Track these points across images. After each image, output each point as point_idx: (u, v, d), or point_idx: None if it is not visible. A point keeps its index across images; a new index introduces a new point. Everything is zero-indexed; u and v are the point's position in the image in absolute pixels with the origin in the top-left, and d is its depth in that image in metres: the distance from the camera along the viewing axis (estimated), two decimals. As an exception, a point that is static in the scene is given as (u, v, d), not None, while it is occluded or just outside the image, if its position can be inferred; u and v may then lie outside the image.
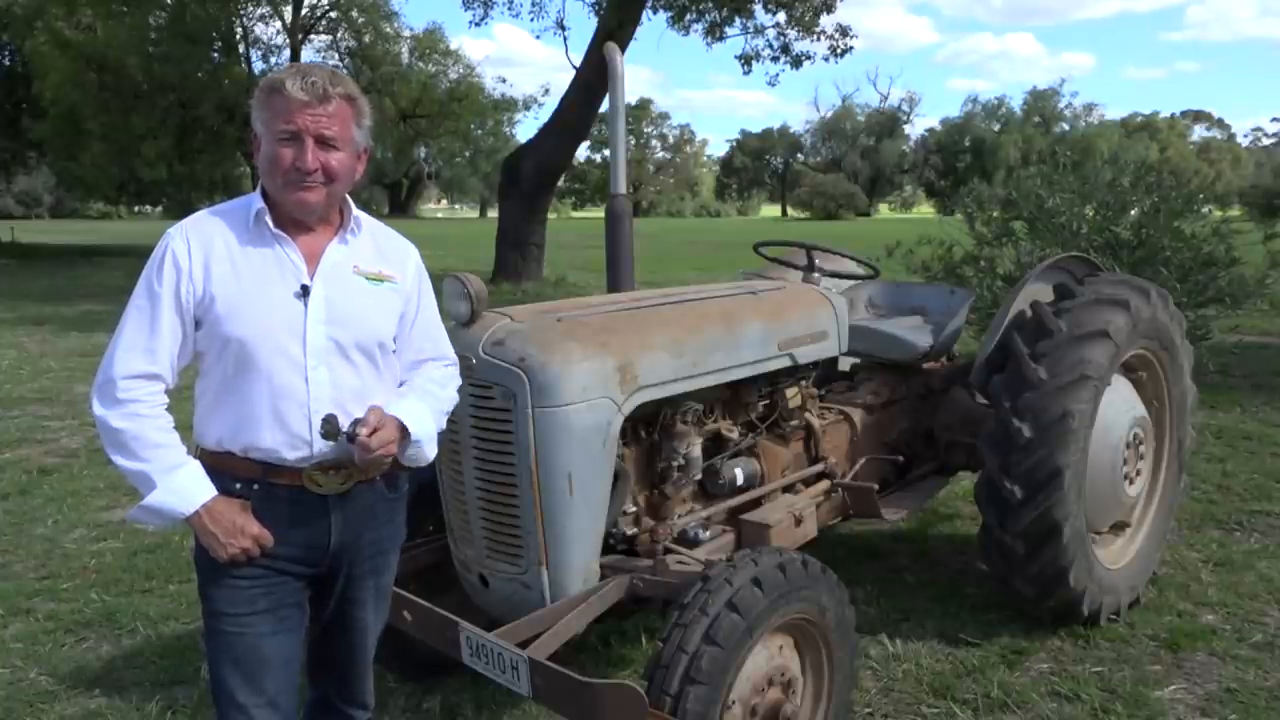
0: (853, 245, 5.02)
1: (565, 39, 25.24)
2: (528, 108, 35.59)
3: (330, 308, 2.07)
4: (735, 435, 3.40)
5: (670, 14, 19.52)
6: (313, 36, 30.37)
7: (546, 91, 34.63)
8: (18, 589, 4.38)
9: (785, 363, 3.43)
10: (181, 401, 1.99)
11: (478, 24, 29.22)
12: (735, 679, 2.46)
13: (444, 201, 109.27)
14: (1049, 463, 3.47)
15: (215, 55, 27.43)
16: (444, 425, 2.29)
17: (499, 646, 2.47)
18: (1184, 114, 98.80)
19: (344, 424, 1.99)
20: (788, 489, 3.59)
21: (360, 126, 2.10)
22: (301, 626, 2.19)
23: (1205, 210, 9.30)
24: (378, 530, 2.23)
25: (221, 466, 2.05)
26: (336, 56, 31.12)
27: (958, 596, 4.21)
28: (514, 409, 2.64)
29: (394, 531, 2.31)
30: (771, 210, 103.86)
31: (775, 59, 20.73)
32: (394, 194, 77.87)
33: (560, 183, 27.52)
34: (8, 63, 31.60)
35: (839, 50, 20.56)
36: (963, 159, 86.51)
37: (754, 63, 20.72)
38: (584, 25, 32.00)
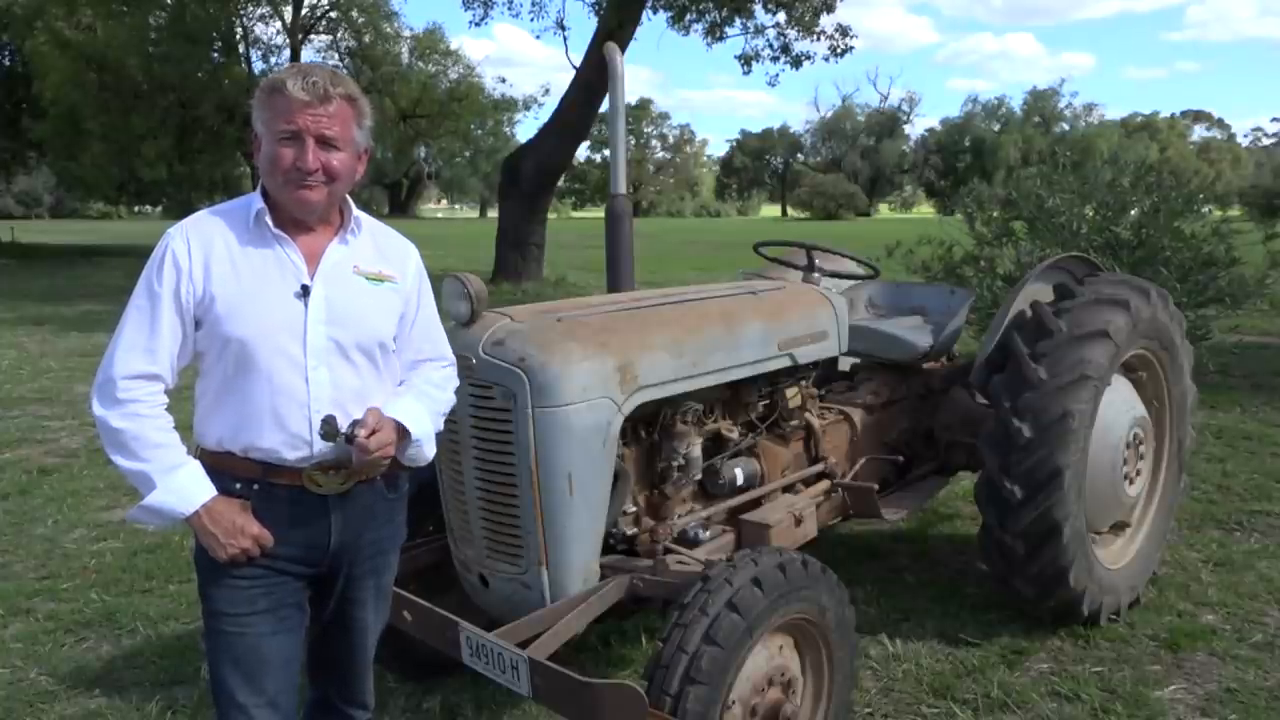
0: (853, 245, 5.02)
1: (565, 39, 25.27)
2: (528, 108, 35.63)
3: (330, 308, 2.07)
4: (735, 435, 3.40)
5: (670, 14, 19.52)
6: (313, 36, 30.40)
7: (546, 91, 34.68)
8: (18, 589, 4.38)
9: (785, 363, 3.43)
10: (181, 401, 1.99)
11: (478, 24, 29.26)
12: (735, 679, 2.46)
13: (444, 201, 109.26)
14: (1049, 463, 3.47)
15: (215, 55, 27.43)
16: (441, 426, 2.29)
17: (499, 646, 2.47)
18: (1184, 114, 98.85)
19: (343, 425, 1.99)
20: (788, 489, 3.59)
21: (361, 127, 2.10)
22: (301, 626, 2.19)
23: (1205, 210, 9.32)
24: (378, 530, 2.23)
25: (221, 466, 2.05)
26: (336, 56, 31.14)
27: (958, 596, 4.21)
28: (514, 409, 2.64)
29: (394, 531, 2.31)
30: (771, 210, 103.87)
31: (775, 59, 20.75)
32: (394, 194, 77.88)
33: (560, 183, 27.52)
34: (8, 63, 31.61)
35: (839, 50, 20.56)
36: (963, 159, 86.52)
37: (754, 63, 20.73)
38: (584, 25, 32.08)
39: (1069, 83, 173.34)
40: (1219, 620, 3.99)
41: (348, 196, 2.17)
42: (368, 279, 2.14)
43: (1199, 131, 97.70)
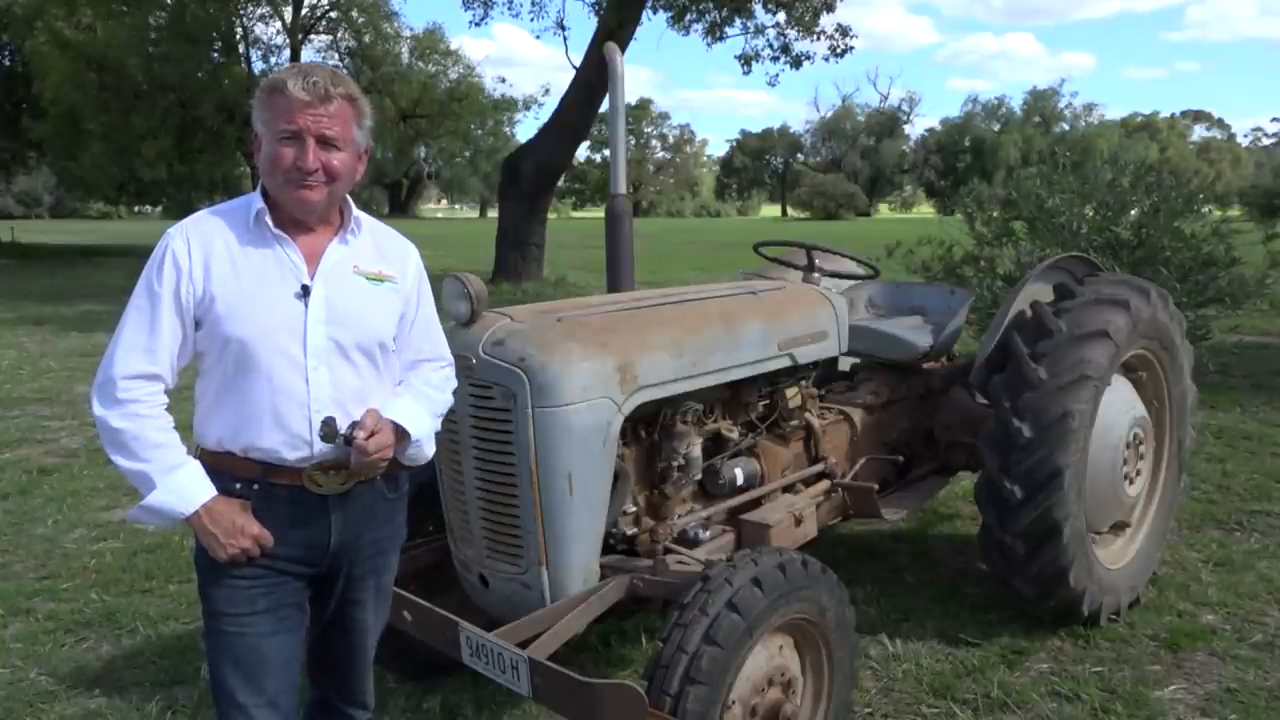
0: (853, 245, 5.02)
1: (565, 39, 25.27)
2: (528, 108, 35.65)
3: (330, 308, 2.07)
4: (735, 435, 3.40)
5: (670, 14, 19.51)
6: (313, 36, 30.41)
7: (546, 91, 34.71)
8: (18, 589, 4.38)
9: (785, 363, 3.43)
10: (181, 401, 1.99)
11: (478, 24, 29.26)
12: (735, 679, 2.46)
13: (444, 201, 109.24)
14: (1049, 463, 3.47)
15: (215, 55, 27.44)
16: (439, 426, 2.29)
17: (499, 646, 2.47)
18: (1184, 114, 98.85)
19: (343, 426, 1.99)
20: (788, 489, 3.59)
21: (361, 127, 2.10)
22: (301, 626, 2.19)
23: (1205, 210, 9.31)
24: (378, 530, 2.23)
25: (221, 466, 2.05)
26: (336, 56, 31.16)
27: (958, 596, 4.21)
28: (514, 409, 2.64)
29: (394, 531, 2.31)
30: (771, 210, 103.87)
31: (775, 59, 20.74)
32: (394, 194, 77.87)
33: (560, 183, 27.52)
34: (8, 63, 31.61)
35: (839, 50, 20.56)
36: (963, 159, 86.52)
37: (754, 63, 20.73)
38: (584, 25, 32.10)
39: (1069, 83, 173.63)
40: (1219, 620, 3.99)
41: (348, 196, 2.17)
42: (368, 279, 2.14)
43: (1199, 131, 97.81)
